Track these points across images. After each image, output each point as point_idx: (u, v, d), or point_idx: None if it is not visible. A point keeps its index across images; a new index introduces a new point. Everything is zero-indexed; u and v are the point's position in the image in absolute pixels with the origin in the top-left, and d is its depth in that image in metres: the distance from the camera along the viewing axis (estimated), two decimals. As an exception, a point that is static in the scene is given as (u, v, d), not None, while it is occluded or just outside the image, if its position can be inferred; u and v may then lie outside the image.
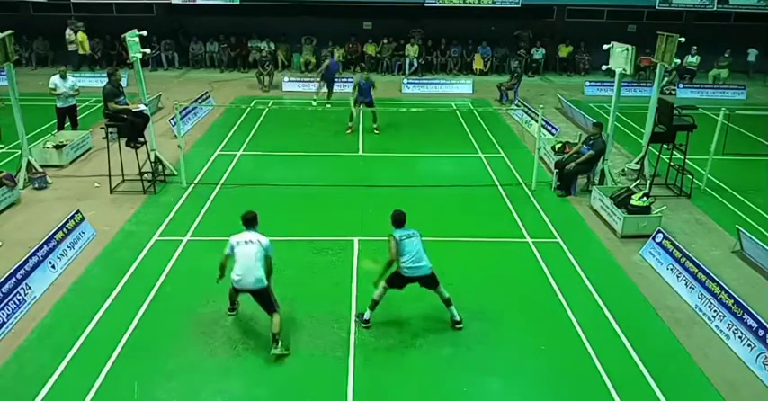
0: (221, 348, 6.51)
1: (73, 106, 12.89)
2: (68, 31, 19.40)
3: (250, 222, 6.48)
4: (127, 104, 10.28)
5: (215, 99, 16.67)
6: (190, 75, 20.59)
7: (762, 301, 7.25)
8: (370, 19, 21.97)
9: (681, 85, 19.32)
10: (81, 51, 19.69)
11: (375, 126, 14.25)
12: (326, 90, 16.49)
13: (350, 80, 19.07)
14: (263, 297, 6.44)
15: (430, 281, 6.82)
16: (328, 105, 16.30)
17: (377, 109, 14.18)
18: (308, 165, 12.20)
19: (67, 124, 12.91)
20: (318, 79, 16.58)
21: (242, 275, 6.31)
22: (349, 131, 14.09)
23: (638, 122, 14.35)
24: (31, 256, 7.36)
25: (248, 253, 6.26)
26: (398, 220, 6.73)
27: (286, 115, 16.05)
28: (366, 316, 6.88)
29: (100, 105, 11.11)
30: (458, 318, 6.92)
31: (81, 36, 19.37)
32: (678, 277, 7.84)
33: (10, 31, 9.76)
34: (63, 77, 12.42)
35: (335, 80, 16.62)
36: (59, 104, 12.57)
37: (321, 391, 5.96)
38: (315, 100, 16.42)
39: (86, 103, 15.82)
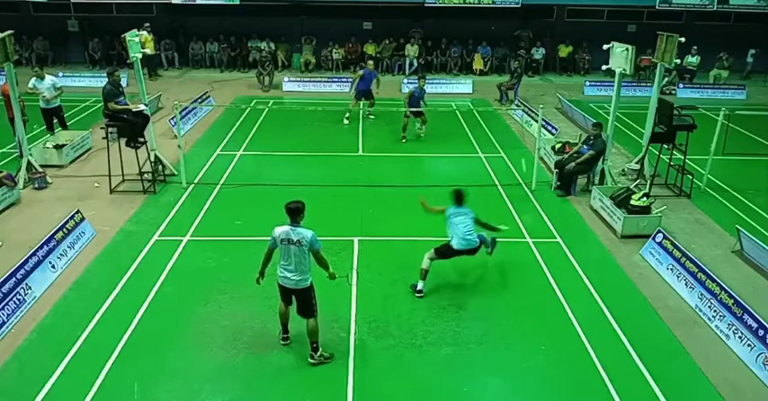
0: (221, 348, 6.50)
1: (58, 107, 12.50)
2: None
3: (292, 213, 6.00)
4: (127, 104, 10.26)
5: (215, 99, 16.67)
6: (190, 75, 20.59)
7: (762, 301, 7.24)
8: (370, 19, 21.96)
9: (681, 85, 19.32)
10: (148, 52, 19.45)
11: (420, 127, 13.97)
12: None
13: (350, 80, 19.13)
14: (304, 297, 6.20)
15: (475, 251, 7.59)
16: (371, 116, 15.35)
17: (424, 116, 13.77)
18: (308, 165, 12.21)
19: (59, 129, 12.66)
20: (352, 92, 15.15)
21: (283, 273, 6.13)
22: (404, 141, 13.61)
23: (638, 122, 14.35)
24: (31, 256, 7.36)
25: (288, 253, 6.02)
26: (455, 197, 7.59)
27: (286, 115, 16.04)
28: (420, 287, 7.51)
29: (100, 105, 11.10)
30: (489, 250, 7.92)
31: (145, 37, 19.13)
32: (678, 277, 7.84)
33: (10, 31, 9.76)
34: (40, 78, 12.08)
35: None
36: (42, 105, 12.23)
37: (321, 391, 5.96)
38: (348, 117, 15.02)
39: (86, 103, 15.86)
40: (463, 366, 6.35)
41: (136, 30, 10.42)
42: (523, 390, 6.12)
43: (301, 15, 21.34)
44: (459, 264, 8.15)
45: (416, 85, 13.57)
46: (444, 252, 7.48)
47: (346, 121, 14.94)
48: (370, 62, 15.74)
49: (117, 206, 9.91)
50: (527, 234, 9.25)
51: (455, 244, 7.40)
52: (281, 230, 6.05)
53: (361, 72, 15.02)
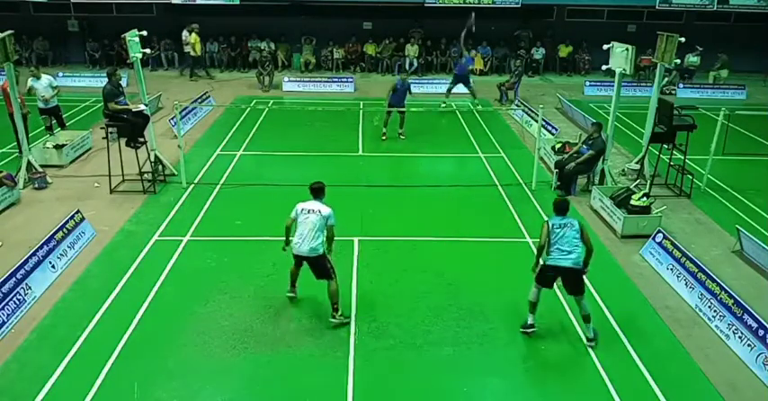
0: (221, 348, 6.50)
1: (56, 107, 12.51)
2: (185, 33, 19.13)
3: (316, 192, 6.88)
4: (127, 104, 10.26)
5: (215, 99, 16.67)
6: (190, 75, 20.59)
7: (762, 301, 7.25)
8: (370, 19, 21.95)
9: (681, 85, 19.32)
10: (193, 53, 19.38)
11: (400, 131, 13.77)
12: (467, 91, 16.51)
13: (350, 80, 19.18)
14: (318, 264, 6.82)
15: (574, 281, 6.59)
16: (479, 106, 16.43)
17: (405, 113, 13.61)
18: (308, 165, 12.19)
19: (58, 129, 12.67)
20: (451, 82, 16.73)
21: (299, 242, 6.73)
22: (384, 138, 13.61)
23: (638, 122, 14.34)
24: (31, 256, 7.36)
25: (307, 222, 6.68)
26: (557, 208, 6.65)
27: (286, 115, 16.05)
28: (530, 321, 6.78)
29: (100, 105, 11.10)
30: (591, 335, 6.68)
31: (193, 38, 19.05)
32: (678, 277, 7.84)
33: (10, 31, 9.76)
34: (36, 78, 12.10)
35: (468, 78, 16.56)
36: (41, 105, 12.24)
37: (321, 391, 5.96)
38: (444, 102, 16.34)
39: (86, 103, 15.86)
40: (463, 366, 6.35)
41: (135, 30, 10.40)
42: (523, 390, 6.13)
43: (301, 15, 21.32)
44: (459, 265, 8.15)
45: (399, 79, 13.34)
46: (539, 276, 6.67)
47: (442, 105, 16.04)
48: (470, 52, 18.09)
49: (117, 206, 9.91)
50: (527, 234, 9.24)
51: (549, 259, 6.53)
52: (305, 203, 6.82)
53: (463, 60, 16.68)
